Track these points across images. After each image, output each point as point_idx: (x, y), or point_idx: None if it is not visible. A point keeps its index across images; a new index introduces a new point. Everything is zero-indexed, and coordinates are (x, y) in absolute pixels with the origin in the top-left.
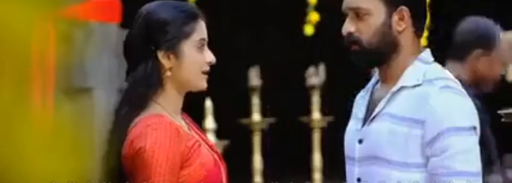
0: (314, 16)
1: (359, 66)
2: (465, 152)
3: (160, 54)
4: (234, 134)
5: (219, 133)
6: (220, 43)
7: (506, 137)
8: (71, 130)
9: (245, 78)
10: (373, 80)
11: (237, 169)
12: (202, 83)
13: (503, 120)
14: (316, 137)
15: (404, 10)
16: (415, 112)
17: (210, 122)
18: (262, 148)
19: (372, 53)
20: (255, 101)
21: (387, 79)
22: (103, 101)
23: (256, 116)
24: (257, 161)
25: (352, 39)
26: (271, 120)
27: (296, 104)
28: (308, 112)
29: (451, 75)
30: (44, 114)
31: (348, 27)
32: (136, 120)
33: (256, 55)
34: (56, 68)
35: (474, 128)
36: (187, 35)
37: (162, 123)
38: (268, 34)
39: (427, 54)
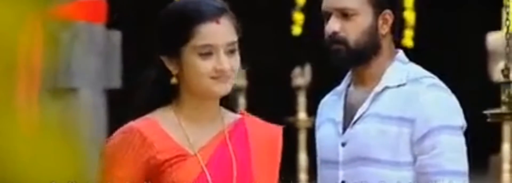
0: (299, 16)
1: (339, 66)
2: (454, 151)
3: (165, 60)
4: None
5: None
6: None
7: (492, 137)
8: (56, 130)
9: None
10: (343, 85)
11: None
12: (213, 90)
13: (488, 120)
14: (302, 138)
15: (388, 13)
16: (404, 110)
17: None
18: None
19: (357, 54)
20: (241, 101)
21: (364, 81)
22: (89, 100)
23: None
24: None
25: (337, 39)
26: None
27: (282, 104)
28: (294, 112)
29: (431, 74)
30: (29, 113)
31: (334, 26)
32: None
33: (242, 56)
34: (42, 69)
35: (462, 127)
36: (183, 41)
37: (130, 129)
38: (254, 35)
39: (403, 54)
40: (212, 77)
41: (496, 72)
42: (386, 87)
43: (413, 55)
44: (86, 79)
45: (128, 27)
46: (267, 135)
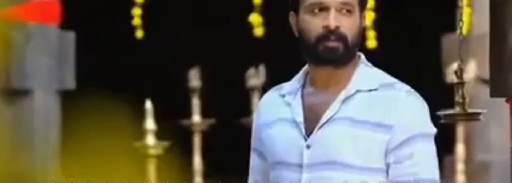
0: (256, 18)
1: (328, 62)
2: (430, 159)
3: None
4: (174, 135)
5: (159, 134)
6: (160, 44)
7: (446, 138)
8: (10, 130)
9: (185, 79)
10: (297, 84)
11: (178, 171)
12: None
13: (442, 121)
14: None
15: (364, 14)
16: (381, 116)
17: (150, 123)
18: (202, 149)
19: (349, 52)
20: (196, 102)
21: (329, 82)
22: (42, 102)
23: (196, 117)
24: (197, 162)
25: (338, 34)
26: (211, 121)
27: (236, 105)
28: (249, 113)
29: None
30: None
31: (336, 21)
32: None
33: (197, 56)
34: None
35: (434, 134)
36: None
37: None
38: (209, 35)
39: (364, 58)
40: None
41: (450, 73)
42: (357, 91)
43: (370, 56)
44: (39, 81)
45: (83, 28)
46: None
